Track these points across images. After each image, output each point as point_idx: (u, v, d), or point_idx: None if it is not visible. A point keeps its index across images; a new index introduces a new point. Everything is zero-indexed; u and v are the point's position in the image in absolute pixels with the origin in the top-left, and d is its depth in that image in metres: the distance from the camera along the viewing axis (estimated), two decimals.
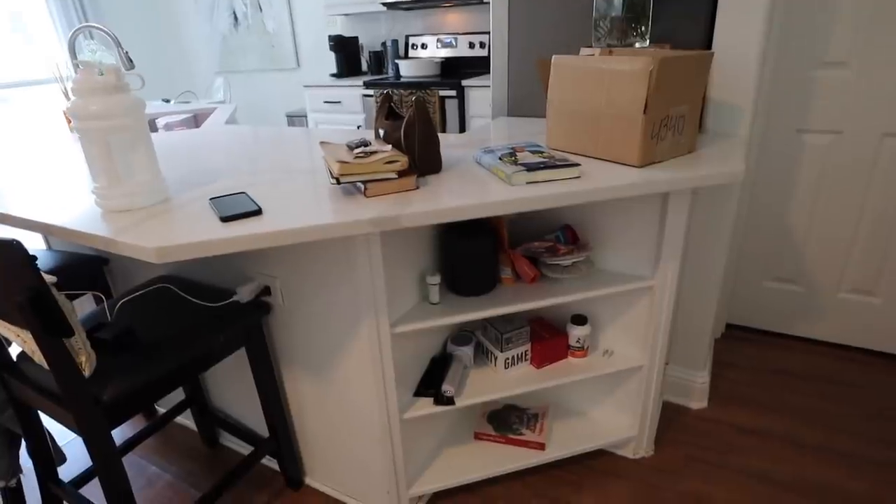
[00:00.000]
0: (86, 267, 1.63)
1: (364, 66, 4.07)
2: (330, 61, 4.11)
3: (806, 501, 1.47)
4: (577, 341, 1.50)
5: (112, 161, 0.97)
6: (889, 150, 1.84)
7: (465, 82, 3.13)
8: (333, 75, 3.93)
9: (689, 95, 1.23)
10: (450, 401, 1.37)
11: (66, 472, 1.69)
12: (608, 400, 1.65)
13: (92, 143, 0.95)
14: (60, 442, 1.79)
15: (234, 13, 4.55)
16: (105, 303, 1.34)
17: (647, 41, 1.54)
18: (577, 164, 1.14)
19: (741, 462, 1.61)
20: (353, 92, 3.57)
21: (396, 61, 3.64)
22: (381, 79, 3.62)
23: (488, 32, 3.43)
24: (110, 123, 0.95)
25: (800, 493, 1.49)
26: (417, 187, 1.11)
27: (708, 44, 1.51)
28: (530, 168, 1.11)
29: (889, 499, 1.46)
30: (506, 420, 1.65)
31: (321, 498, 1.58)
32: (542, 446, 1.56)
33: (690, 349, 1.80)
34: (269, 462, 1.70)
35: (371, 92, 3.49)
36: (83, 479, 1.49)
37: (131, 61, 1.83)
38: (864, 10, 1.74)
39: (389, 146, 1.13)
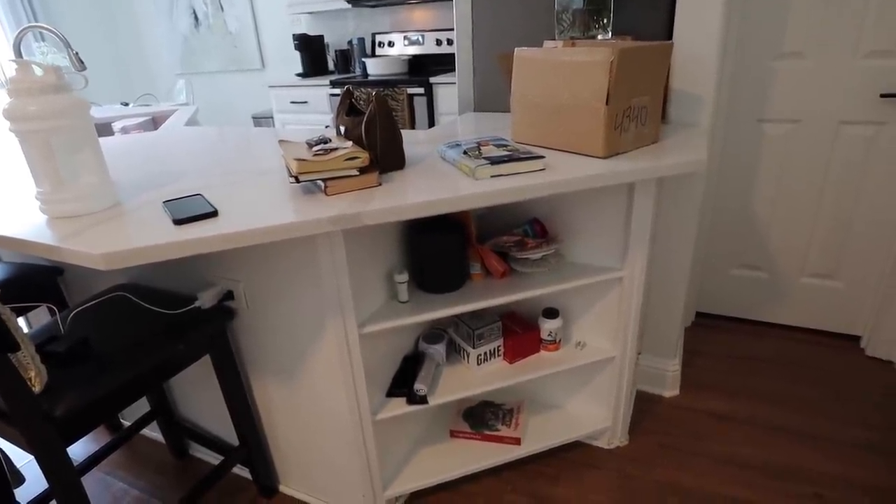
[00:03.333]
0: (39, 278, 1.55)
1: (331, 66, 4.01)
2: (295, 61, 4.04)
3: (779, 484, 1.49)
4: (549, 335, 1.50)
5: (54, 165, 0.92)
6: (845, 137, 1.89)
7: (433, 79, 3.11)
8: (299, 75, 3.87)
9: (650, 86, 1.24)
10: (423, 400, 1.35)
11: (25, 494, 1.61)
12: (582, 392, 1.65)
13: (31, 145, 0.90)
14: (19, 462, 1.71)
15: (195, 13, 4.43)
16: (58, 315, 1.28)
17: (610, 33, 1.54)
18: (542, 157, 1.13)
19: (714, 448, 1.63)
20: (320, 91, 3.51)
21: (363, 60, 3.60)
22: (348, 77, 3.57)
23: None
24: (50, 125, 0.90)
25: (773, 477, 1.52)
26: (380, 184, 1.09)
27: (669, 35, 1.52)
28: (494, 161, 1.10)
29: (862, 479, 1.49)
30: (481, 417, 1.64)
31: None
32: (518, 441, 1.55)
33: (661, 338, 1.82)
34: (242, 471, 1.66)
35: (338, 91, 3.44)
36: (43, 499, 1.42)
37: (82, 62, 1.75)
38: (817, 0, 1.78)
39: (350, 143, 1.10)
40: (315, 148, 1.07)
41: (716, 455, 1.61)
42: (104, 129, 2.34)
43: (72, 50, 1.72)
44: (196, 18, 4.46)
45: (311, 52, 3.85)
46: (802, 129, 1.94)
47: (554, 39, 1.55)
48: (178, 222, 0.93)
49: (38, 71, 0.91)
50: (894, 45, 1.72)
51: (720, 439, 1.66)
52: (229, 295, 1.31)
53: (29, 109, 0.89)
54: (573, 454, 1.64)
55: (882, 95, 1.78)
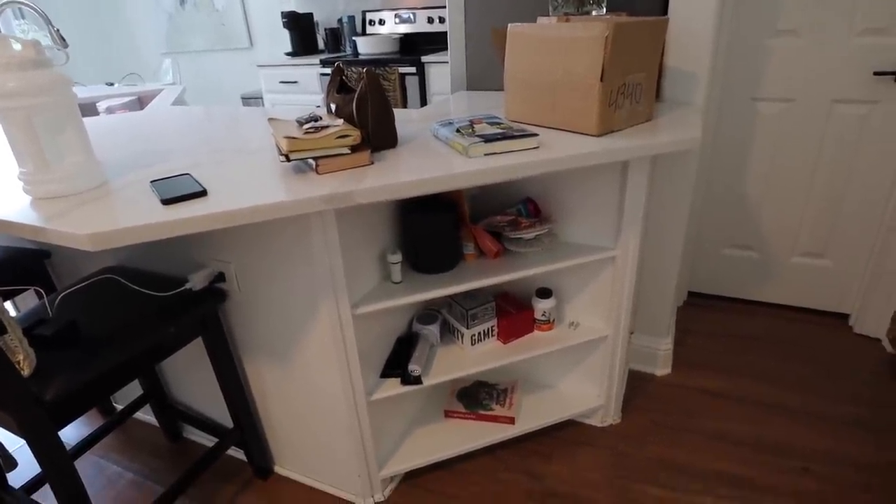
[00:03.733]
0: (25, 261, 1.52)
1: (321, 44, 3.94)
2: (284, 39, 3.96)
3: (770, 459, 1.52)
4: (543, 315, 1.50)
5: (37, 143, 0.89)
6: (838, 116, 1.88)
7: (424, 58, 3.06)
8: (289, 54, 3.79)
9: (645, 63, 1.22)
10: (417, 380, 1.35)
11: (18, 478, 1.61)
12: (575, 371, 1.66)
13: (12, 124, 0.87)
14: (11, 447, 1.71)
15: None
16: (45, 298, 1.26)
17: (604, 9, 1.52)
18: (536, 135, 1.11)
19: (706, 424, 1.65)
20: (310, 71, 3.45)
21: (354, 38, 3.53)
22: (339, 56, 3.51)
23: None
24: (32, 101, 0.87)
25: (763, 452, 1.54)
26: (372, 162, 1.07)
27: (664, 11, 1.50)
28: (487, 139, 1.08)
29: (854, 455, 1.52)
30: (475, 397, 1.65)
31: (291, 485, 1.56)
32: (512, 420, 1.56)
33: (654, 317, 1.83)
34: (237, 453, 1.66)
35: (328, 71, 3.38)
36: (36, 483, 1.42)
37: (63, 40, 1.70)
38: None
39: (341, 121, 1.08)
40: (305, 126, 1.05)
41: (707, 431, 1.63)
42: (88, 109, 2.28)
43: (53, 27, 1.67)
44: None
45: (301, 30, 3.77)
46: (796, 107, 1.93)
47: (548, 15, 1.52)
48: (167, 202, 0.91)
49: (16, 46, 0.88)
50: (888, 22, 1.71)
51: (712, 416, 1.68)
52: (220, 277, 1.30)
53: (8, 86, 0.86)
54: (567, 432, 1.65)
55: (875, 73, 1.77)
